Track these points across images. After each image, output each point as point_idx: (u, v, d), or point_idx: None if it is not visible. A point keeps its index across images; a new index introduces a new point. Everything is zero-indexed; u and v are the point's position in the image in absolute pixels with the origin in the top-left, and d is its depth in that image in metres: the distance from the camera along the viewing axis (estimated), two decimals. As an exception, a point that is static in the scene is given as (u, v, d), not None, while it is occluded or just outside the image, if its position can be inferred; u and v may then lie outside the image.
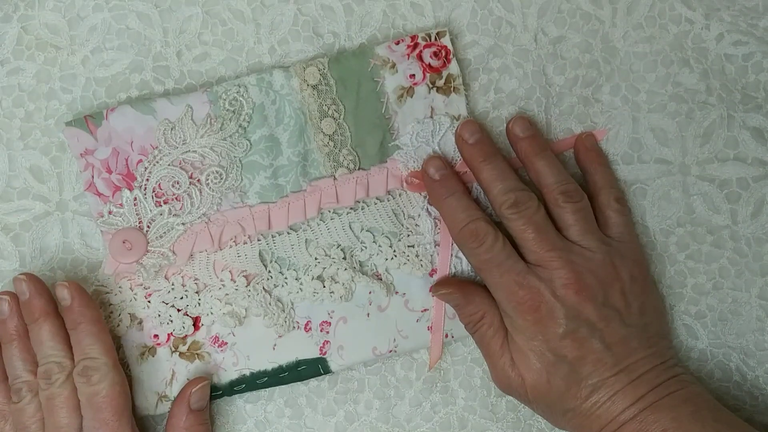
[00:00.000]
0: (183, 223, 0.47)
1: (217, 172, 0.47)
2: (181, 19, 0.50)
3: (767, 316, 0.49)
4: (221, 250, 0.47)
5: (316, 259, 0.48)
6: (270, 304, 0.48)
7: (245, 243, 0.48)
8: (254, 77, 0.48)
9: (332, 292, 0.48)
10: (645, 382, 0.43)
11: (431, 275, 0.49)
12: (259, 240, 0.48)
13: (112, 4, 0.50)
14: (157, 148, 0.47)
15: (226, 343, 0.48)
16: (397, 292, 0.49)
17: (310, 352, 0.48)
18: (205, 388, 0.47)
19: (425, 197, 0.48)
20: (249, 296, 0.47)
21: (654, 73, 0.50)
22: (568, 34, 0.50)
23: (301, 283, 0.48)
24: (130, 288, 0.48)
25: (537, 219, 0.45)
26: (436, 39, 0.48)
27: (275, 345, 0.48)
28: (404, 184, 0.48)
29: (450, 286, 0.47)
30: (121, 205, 0.47)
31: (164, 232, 0.47)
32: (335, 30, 0.50)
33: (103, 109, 0.47)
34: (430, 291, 0.48)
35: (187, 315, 0.48)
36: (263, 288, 0.48)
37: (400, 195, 0.48)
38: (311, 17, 0.50)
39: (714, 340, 0.50)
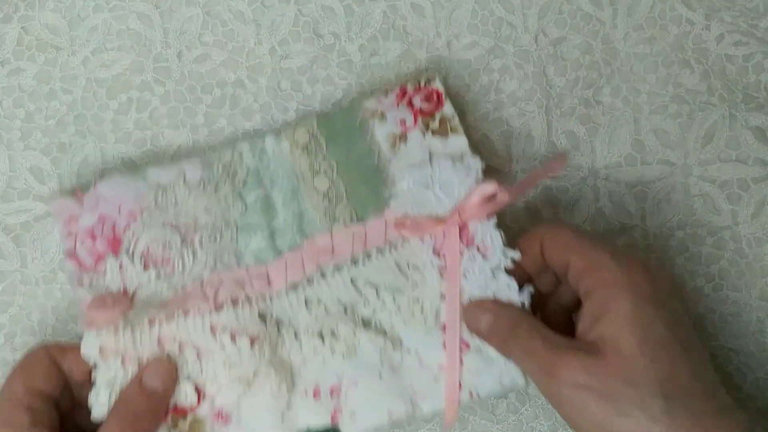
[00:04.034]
0: (174, 288, 0.44)
1: (210, 233, 0.45)
2: (182, 20, 0.50)
3: (767, 317, 0.49)
4: (218, 312, 0.44)
5: (315, 317, 0.44)
6: (273, 366, 0.43)
7: (243, 305, 0.44)
8: (247, 144, 0.47)
9: (333, 350, 0.44)
10: (744, 424, 0.37)
11: (444, 330, 0.44)
12: (257, 301, 0.45)
13: (113, 5, 0.50)
14: (146, 210, 0.45)
15: (231, 419, 0.43)
16: (408, 349, 0.44)
17: (321, 421, 0.43)
18: (160, 364, 0.42)
19: (428, 247, 0.45)
20: (253, 359, 0.43)
21: (655, 74, 0.50)
22: (569, 35, 0.50)
23: (300, 342, 0.44)
24: (122, 363, 0.42)
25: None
26: (426, 84, 0.47)
27: (283, 416, 0.43)
28: (404, 228, 0.45)
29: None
30: (104, 272, 0.44)
31: (152, 299, 0.44)
32: (336, 31, 0.50)
33: (94, 179, 0.46)
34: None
35: (189, 381, 0.43)
36: (266, 350, 0.44)
37: (402, 245, 0.45)
38: (312, 18, 0.50)
39: (713, 343, 0.50)
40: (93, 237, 0.45)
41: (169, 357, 0.42)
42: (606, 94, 0.50)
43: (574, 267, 0.40)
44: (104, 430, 0.40)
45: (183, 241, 0.45)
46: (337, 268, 0.45)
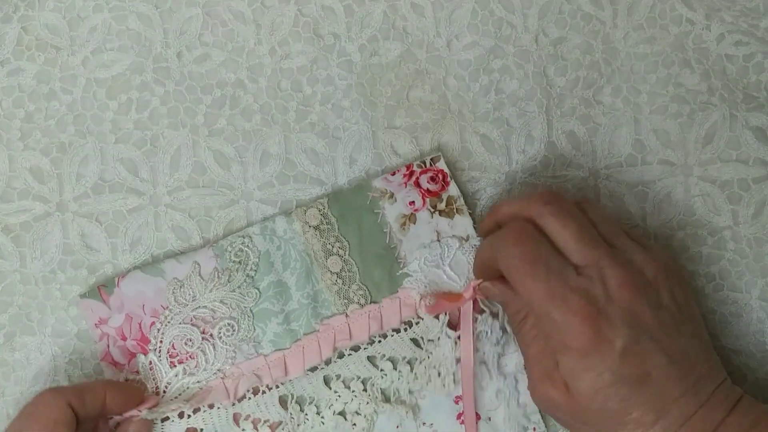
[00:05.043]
0: (198, 381, 0.47)
1: (228, 324, 0.47)
2: (182, 20, 0.50)
3: (768, 318, 0.49)
4: (239, 402, 0.46)
5: (336, 392, 0.47)
6: None
7: (264, 393, 0.47)
8: (258, 227, 0.48)
9: (354, 424, 0.47)
10: (718, 405, 0.37)
11: (456, 402, 0.47)
12: (277, 387, 0.47)
13: (113, 5, 0.50)
14: (167, 308, 0.47)
15: None
16: (424, 423, 0.47)
17: None
18: (142, 424, 0.44)
19: (443, 323, 0.47)
20: None
21: (655, 74, 0.50)
22: (569, 35, 0.50)
23: (322, 418, 0.47)
24: None
25: (576, 216, 0.40)
26: (431, 164, 0.48)
27: None
28: (421, 308, 0.47)
29: (495, 282, 0.43)
30: (137, 372, 0.47)
31: (180, 394, 0.46)
32: (336, 31, 0.50)
33: (115, 277, 0.47)
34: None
35: None
36: None
37: (417, 323, 0.47)
38: (312, 18, 0.50)
39: (714, 343, 0.49)
40: (123, 337, 0.47)
41: (148, 418, 0.44)
42: (606, 94, 0.50)
43: (526, 302, 0.41)
44: None
45: (203, 335, 0.47)
46: (354, 348, 0.47)
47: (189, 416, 0.46)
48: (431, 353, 0.47)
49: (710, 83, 0.50)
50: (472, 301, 0.46)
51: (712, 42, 0.50)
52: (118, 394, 0.43)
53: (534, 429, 0.47)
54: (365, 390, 0.47)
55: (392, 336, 0.47)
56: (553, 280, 0.38)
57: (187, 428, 0.46)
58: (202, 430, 0.46)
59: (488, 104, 0.50)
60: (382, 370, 0.47)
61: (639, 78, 0.50)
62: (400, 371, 0.47)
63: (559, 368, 0.39)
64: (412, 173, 0.48)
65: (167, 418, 0.45)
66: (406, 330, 0.48)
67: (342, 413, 0.47)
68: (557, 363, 0.39)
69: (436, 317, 0.47)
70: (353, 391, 0.47)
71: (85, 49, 0.50)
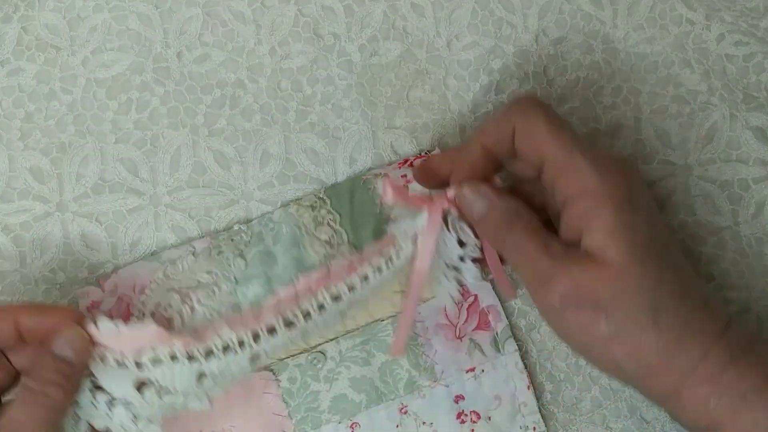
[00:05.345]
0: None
1: (210, 289, 0.47)
2: (182, 20, 0.50)
3: (768, 318, 0.49)
4: (207, 361, 0.40)
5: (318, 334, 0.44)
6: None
7: (236, 353, 0.41)
8: (257, 220, 0.48)
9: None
10: (720, 307, 0.37)
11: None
12: (251, 346, 0.41)
13: (113, 5, 0.50)
14: (155, 281, 0.47)
15: None
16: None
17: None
18: (73, 333, 0.38)
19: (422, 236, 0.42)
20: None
21: (655, 74, 0.50)
22: (569, 35, 0.50)
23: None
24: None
25: None
26: (426, 153, 0.49)
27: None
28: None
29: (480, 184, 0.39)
30: None
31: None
32: (336, 31, 0.50)
33: (115, 268, 0.48)
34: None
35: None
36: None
37: (398, 257, 0.42)
38: (312, 18, 0.50)
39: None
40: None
41: (84, 329, 0.39)
42: (606, 94, 0.50)
43: (548, 168, 0.38)
44: (13, 410, 0.37)
45: (183, 300, 0.46)
46: (335, 298, 0.42)
47: (148, 368, 0.40)
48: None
49: (710, 83, 0.50)
50: (441, 211, 0.41)
51: (712, 42, 0.50)
52: (34, 314, 0.39)
53: (534, 429, 0.47)
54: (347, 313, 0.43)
55: (374, 277, 0.42)
56: (578, 139, 0.37)
57: (139, 379, 0.40)
58: (157, 381, 0.40)
59: (488, 104, 0.50)
60: (365, 296, 0.43)
61: (639, 78, 0.50)
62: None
63: (585, 239, 0.36)
64: (407, 161, 0.49)
65: (124, 366, 0.40)
66: (388, 267, 0.42)
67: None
68: (576, 239, 0.36)
69: (415, 243, 0.42)
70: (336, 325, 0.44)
71: (85, 49, 0.50)
